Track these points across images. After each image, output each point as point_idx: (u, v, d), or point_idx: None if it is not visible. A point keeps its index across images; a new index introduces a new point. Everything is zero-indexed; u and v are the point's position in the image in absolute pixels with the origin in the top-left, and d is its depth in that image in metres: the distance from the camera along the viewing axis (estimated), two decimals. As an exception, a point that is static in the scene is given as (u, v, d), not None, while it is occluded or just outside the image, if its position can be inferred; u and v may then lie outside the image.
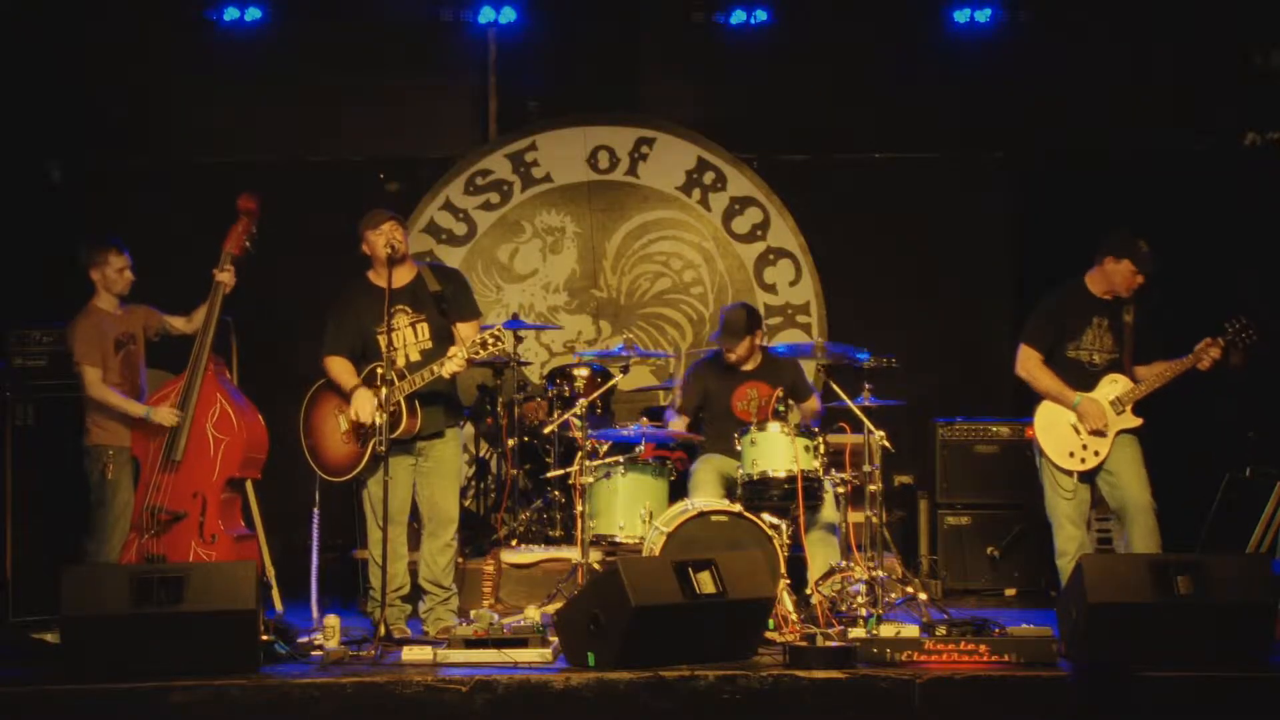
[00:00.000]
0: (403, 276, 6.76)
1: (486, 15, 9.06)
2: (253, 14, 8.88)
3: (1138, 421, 6.82)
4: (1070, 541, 6.81)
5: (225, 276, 6.85)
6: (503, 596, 7.42)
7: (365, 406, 6.56)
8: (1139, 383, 6.82)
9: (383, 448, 6.39)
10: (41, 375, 7.39)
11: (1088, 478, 6.86)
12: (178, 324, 7.00)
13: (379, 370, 6.53)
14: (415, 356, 6.70)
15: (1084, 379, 6.87)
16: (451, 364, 6.49)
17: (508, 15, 9.07)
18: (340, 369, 6.74)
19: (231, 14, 8.88)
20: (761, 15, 9.08)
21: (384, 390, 6.42)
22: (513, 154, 9.33)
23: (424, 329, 6.74)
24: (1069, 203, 8.76)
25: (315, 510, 7.05)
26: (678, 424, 7.54)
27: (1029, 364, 6.96)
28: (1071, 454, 6.83)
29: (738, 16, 9.09)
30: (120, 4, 8.80)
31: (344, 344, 6.75)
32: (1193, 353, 6.74)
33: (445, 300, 6.75)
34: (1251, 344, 6.72)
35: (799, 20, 9.14)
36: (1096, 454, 6.81)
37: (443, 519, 6.80)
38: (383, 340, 6.63)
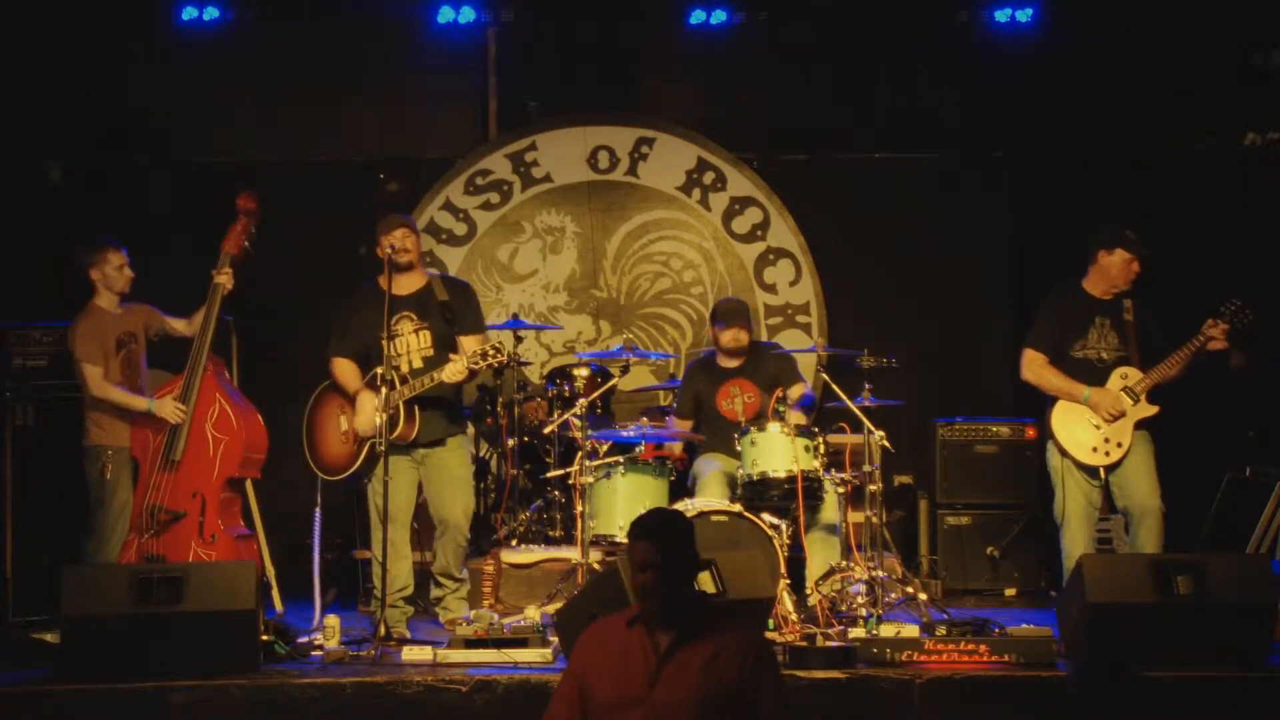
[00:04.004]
0: (412, 284, 6.82)
1: (486, 15, 9.06)
2: (253, 14, 8.88)
3: (1154, 409, 6.81)
4: (1078, 545, 6.80)
5: (224, 279, 6.84)
6: (503, 596, 7.42)
7: (365, 416, 6.60)
8: (1150, 372, 6.81)
9: (381, 448, 6.41)
10: (41, 375, 7.39)
11: (1111, 471, 6.85)
12: (179, 326, 7.00)
13: (381, 373, 6.56)
14: (417, 363, 6.73)
15: (1095, 376, 6.87)
16: (450, 369, 6.50)
17: (508, 15, 9.06)
18: (345, 371, 6.80)
19: (232, 14, 8.87)
20: (761, 15, 9.07)
21: (384, 391, 6.43)
22: (513, 154, 9.33)
23: (426, 336, 6.77)
24: (1069, 203, 8.76)
25: (317, 510, 7.06)
26: (679, 426, 7.58)
27: (1034, 366, 6.96)
28: (1095, 449, 6.83)
29: (737, 17, 9.08)
30: (120, 4, 8.80)
31: (350, 347, 6.80)
32: (1200, 334, 6.74)
33: (451, 310, 6.79)
34: (1249, 325, 6.72)
35: (798, 20, 9.14)
36: (1120, 445, 6.81)
37: (452, 525, 6.83)
38: (385, 346, 6.66)
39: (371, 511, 6.81)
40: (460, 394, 6.94)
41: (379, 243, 6.78)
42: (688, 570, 4.19)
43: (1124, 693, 5.65)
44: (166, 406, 6.72)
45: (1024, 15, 9.08)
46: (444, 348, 6.73)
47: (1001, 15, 9.08)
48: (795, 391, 7.41)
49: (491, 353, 6.45)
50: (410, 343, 6.76)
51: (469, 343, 6.73)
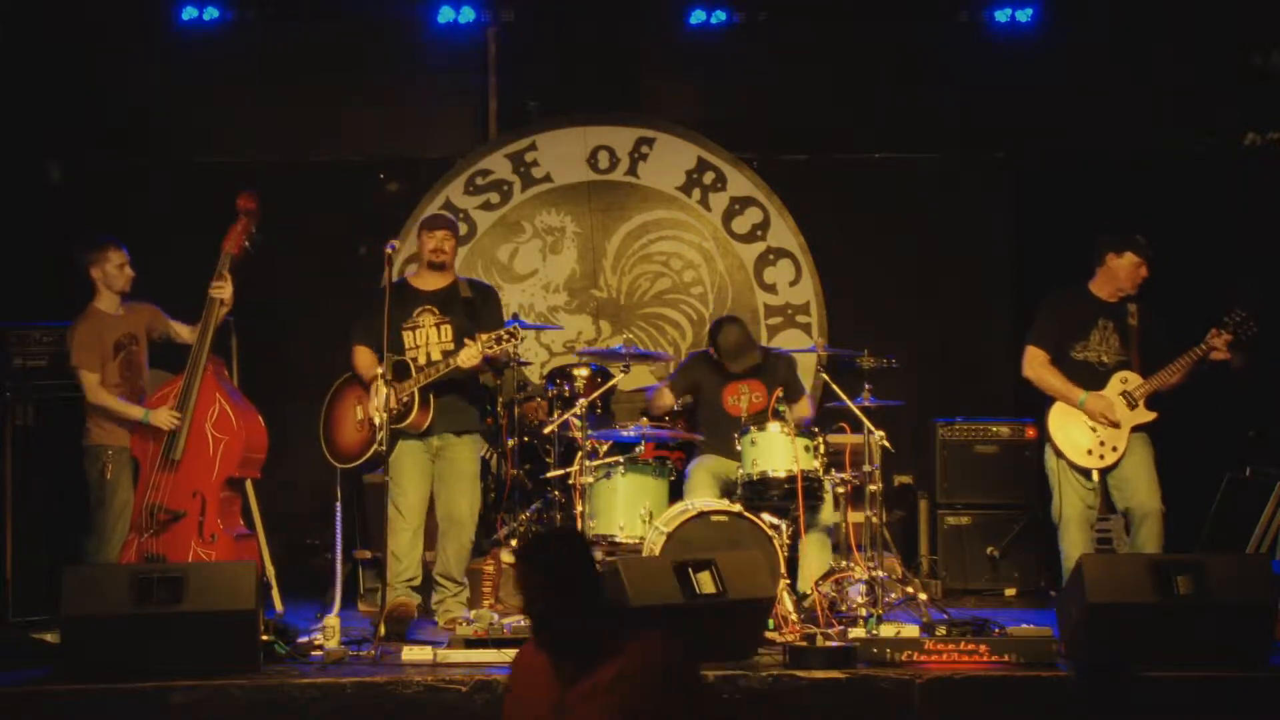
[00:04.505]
0: (438, 281, 7.02)
1: (486, 15, 9.05)
2: (253, 14, 8.88)
3: (1152, 415, 6.83)
4: (1076, 547, 6.80)
5: (223, 294, 6.82)
6: (502, 596, 7.42)
7: (377, 398, 6.66)
8: (1150, 378, 6.82)
9: (382, 446, 6.44)
10: (41, 375, 7.38)
11: (1104, 475, 6.85)
12: (183, 333, 6.97)
13: (404, 361, 6.72)
14: (436, 356, 6.88)
15: (1094, 379, 6.88)
16: (465, 353, 6.62)
17: (508, 15, 9.06)
18: (365, 359, 6.94)
19: (232, 14, 8.87)
20: (761, 15, 9.07)
21: (384, 391, 6.47)
22: (513, 154, 9.33)
23: (448, 331, 6.92)
24: (1069, 203, 8.76)
25: (338, 505, 7.09)
26: (662, 395, 7.60)
27: (1035, 364, 6.97)
28: (1090, 451, 6.84)
29: (737, 16, 9.08)
30: (120, 4, 8.80)
31: (372, 337, 6.87)
32: (1204, 342, 6.75)
33: (473, 306, 6.96)
34: (1252, 336, 6.73)
35: (798, 20, 9.14)
36: (1115, 449, 6.81)
37: (457, 521, 6.93)
38: (408, 337, 6.87)
39: (390, 506, 6.86)
40: (478, 391, 7.01)
41: (419, 240, 7.04)
42: (575, 592, 3.92)
43: (1125, 693, 5.65)
44: (161, 415, 6.72)
45: (1024, 15, 9.07)
46: (463, 344, 6.79)
47: (1001, 15, 9.07)
48: (801, 411, 7.41)
49: (505, 336, 6.57)
50: (430, 335, 6.90)
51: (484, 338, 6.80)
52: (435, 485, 6.94)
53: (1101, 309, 6.94)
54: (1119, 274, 6.91)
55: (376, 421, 6.49)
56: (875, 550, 7.07)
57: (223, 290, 6.82)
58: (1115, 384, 6.87)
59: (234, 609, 5.77)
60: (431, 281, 7.02)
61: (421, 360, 6.83)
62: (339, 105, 9.22)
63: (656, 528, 6.80)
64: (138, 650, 5.69)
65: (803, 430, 6.96)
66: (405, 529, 6.82)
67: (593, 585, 4.01)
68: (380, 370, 6.56)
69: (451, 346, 6.85)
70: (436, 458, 6.91)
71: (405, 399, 6.69)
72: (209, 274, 6.87)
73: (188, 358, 6.80)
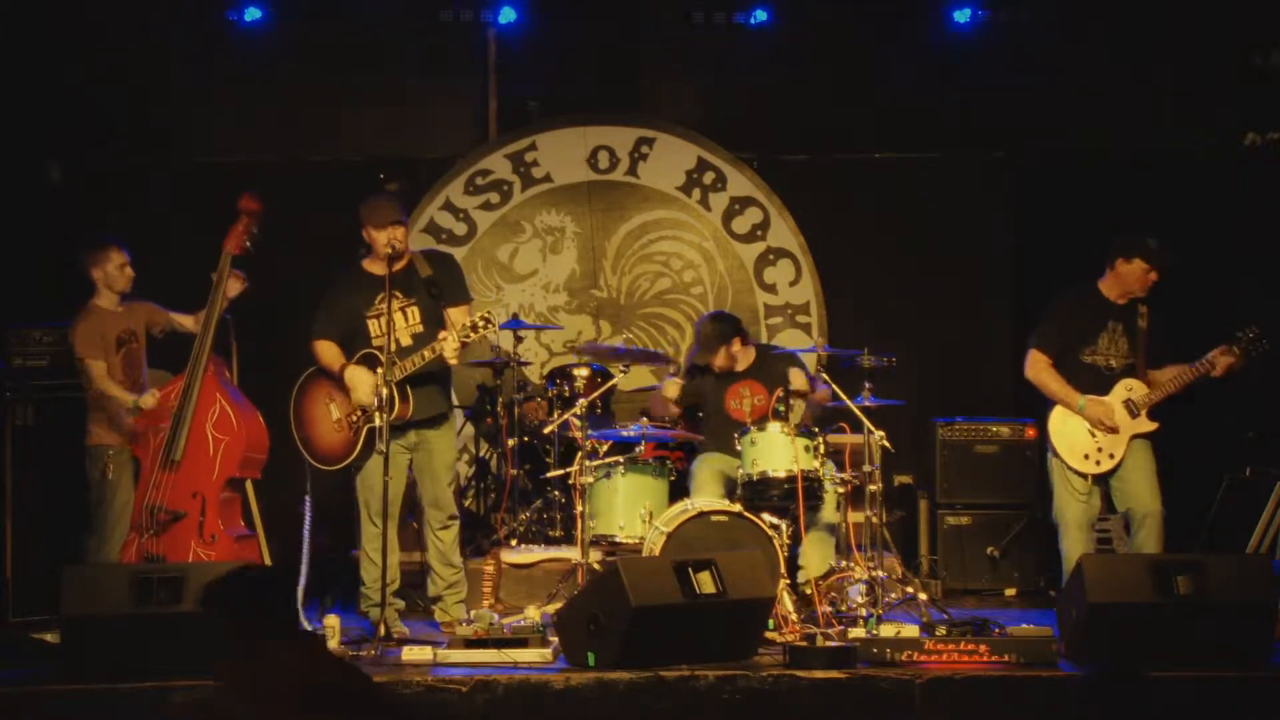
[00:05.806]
0: (394, 264, 6.78)
1: (486, 15, 9.06)
2: (253, 14, 8.88)
3: (1153, 426, 6.82)
4: (1076, 548, 6.80)
5: (232, 283, 6.83)
6: (503, 596, 7.42)
7: (363, 386, 6.58)
8: (1154, 388, 6.82)
9: (383, 447, 6.40)
10: (41, 375, 7.39)
11: (1100, 481, 6.85)
12: (186, 322, 6.97)
13: (371, 353, 6.60)
14: (406, 341, 6.73)
15: (1100, 384, 6.87)
16: (448, 347, 6.50)
17: (508, 15, 9.07)
18: (328, 352, 6.79)
19: (231, 14, 8.88)
20: (761, 15, 9.07)
21: (384, 391, 6.43)
22: (513, 154, 9.33)
23: (414, 313, 6.78)
24: (1069, 203, 8.76)
25: (307, 497, 7.06)
26: (671, 387, 7.52)
27: (1037, 367, 6.96)
28: (1086, 456, 6.84)
29: (738, 16, 9.09)
30: (120, 3, 8.80)
31: (334, 329, 6.80)
32: (1206, 359, 6.75)
33: (436, 285, 6.78)
34: (1263, 354, 6.73)
35: (799, 20, 9.14)
36: (1111, 456, 6.81)
37: (443, 504, 6.87)
38: (373, 325, 6.68)
39: (361, 503, 6.82)
40: (450, 374, 6.93)
41: (368, 232, 6.82)
42: (250, 642, 3.95)
43: (1135, 699, 5.65)
44: (146, 397, 6.72)
45: (1024, 15, 9.07)
46: (432, 323, 6.73)
47: (1002, 15, 9.07)
48: (819, 396, 7.38)
49: (482, 324, 6.44)
50: (396, 320, 6.73)
51: (457, 314, 6.71)
52: (417, 473, 6.85)
53: (1111, 310, 6.92)
54: (1127, 279, 6.89)
55: (378, 422, 6.45)
56: (875, 550, 7.07)
57: (223, 288, 6.82)
58: (1120, 391, 6.86)
59: (234, 609, 5.76)
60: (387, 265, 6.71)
61: (391, 347, 6.59)
62: (339, 105, 9.21)
63: (656, 528, 6.80)
64: (138, 650, 5.70)
65: (803, 430, 6.96)
66: (382, 533, 6.68)
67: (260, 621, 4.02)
68: (379, 371, 6.50)
69: (421, 329, 6.72)
70: (416, 449, 6.82)
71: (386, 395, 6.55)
72: (209, 274, 6.87)
73: (189, 355, 6.79)
